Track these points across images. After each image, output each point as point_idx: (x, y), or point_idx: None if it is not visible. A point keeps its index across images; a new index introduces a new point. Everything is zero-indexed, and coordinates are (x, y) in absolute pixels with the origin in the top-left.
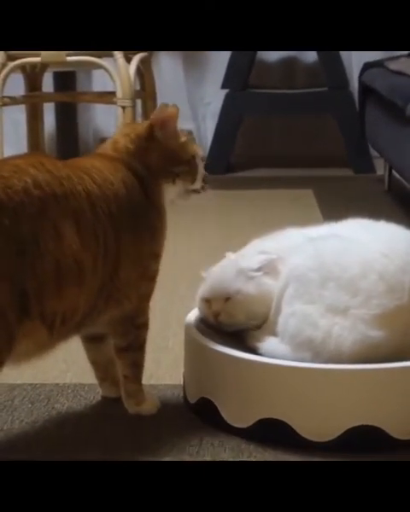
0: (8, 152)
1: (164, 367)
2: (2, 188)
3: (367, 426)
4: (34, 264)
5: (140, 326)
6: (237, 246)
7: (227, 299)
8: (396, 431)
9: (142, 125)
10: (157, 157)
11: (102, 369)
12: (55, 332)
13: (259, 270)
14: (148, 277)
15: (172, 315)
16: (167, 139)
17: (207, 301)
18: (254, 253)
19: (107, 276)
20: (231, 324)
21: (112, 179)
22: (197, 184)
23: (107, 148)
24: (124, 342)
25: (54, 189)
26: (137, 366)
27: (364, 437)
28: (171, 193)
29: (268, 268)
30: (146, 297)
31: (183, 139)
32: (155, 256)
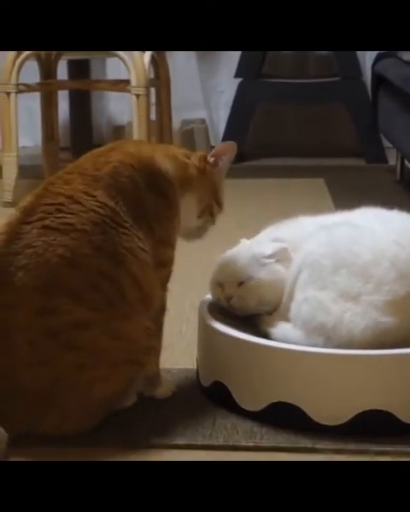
0: (23, 139)
1: (178, 351)
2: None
3: (377, 410)
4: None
5: (156, 310)
6: (250, 233)
7: (240, 283)
8: (406, 415)
9: (197, 154)
10: (205, 187)
11: None
12: None
13: (271, 256)
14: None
15: (185, 300)
16: (219, 172)
17: (219, 285)
18: (267, 240)
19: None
20: (242, 309)
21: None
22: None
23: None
24: None
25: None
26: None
27: (374, 421)
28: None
29: (280, 255)
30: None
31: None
32: (163, 243)
